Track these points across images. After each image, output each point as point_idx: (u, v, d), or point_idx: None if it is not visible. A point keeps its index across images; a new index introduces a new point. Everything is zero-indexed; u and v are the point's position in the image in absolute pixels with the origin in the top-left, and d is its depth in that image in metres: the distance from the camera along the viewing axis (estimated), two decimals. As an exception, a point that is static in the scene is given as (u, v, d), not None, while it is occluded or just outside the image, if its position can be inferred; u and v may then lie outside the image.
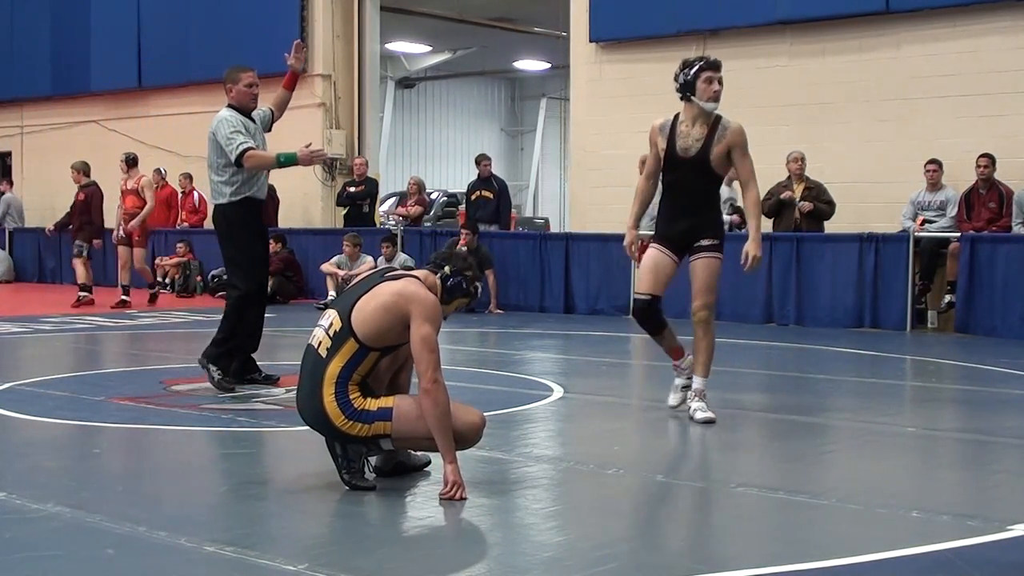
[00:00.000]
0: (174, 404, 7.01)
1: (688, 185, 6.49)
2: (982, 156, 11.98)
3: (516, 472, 5.32)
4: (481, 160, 15.98)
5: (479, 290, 5.04)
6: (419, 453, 5.13)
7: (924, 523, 4.43)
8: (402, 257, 14.68)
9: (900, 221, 12.51)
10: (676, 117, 6.54)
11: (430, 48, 29.45)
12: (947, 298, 11.99)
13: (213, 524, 4.43)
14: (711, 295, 6.58)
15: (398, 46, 28.32)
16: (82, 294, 14.43)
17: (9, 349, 10.41)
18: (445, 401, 4.68)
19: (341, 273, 14.80)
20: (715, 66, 6.49)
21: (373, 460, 5.04)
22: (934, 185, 12.35)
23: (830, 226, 12.89)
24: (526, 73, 33.84)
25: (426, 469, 5.17)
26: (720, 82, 6.43)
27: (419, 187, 17.14)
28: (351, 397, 4.74)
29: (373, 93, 18.50)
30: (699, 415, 6.44)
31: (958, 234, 11.89)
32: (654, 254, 6.62)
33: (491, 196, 15.61)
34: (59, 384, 7.77)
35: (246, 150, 7.37)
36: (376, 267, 14.69)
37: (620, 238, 14.07)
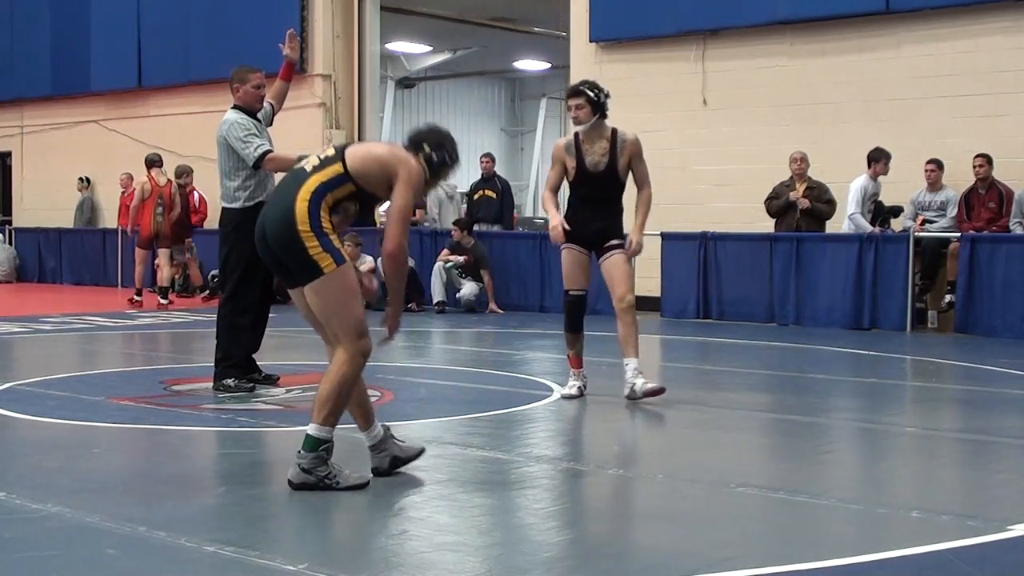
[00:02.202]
0: (174, 404, 7.01)
1: (599, 195, 7.27)
2: (978, 156, 11.98)
3: (516, 472, 5.32)
4: (483, 158, 15.92)
5: (458, 156, 5.20)
6: (412, 445, 5.22)
7: (924, 523, 4.43)
8: (402, 257, 14.64)
9: (900, 221, 12.51)
10: (576, 136, 7.24)
11: (430, 48, 29.43)
12: (947, 298, 12.00)
13: (213, 524, 4.43)
14: (630, 282, 7.39)
15: (398, 46, 28.30)
16: (162, 299, 14.53)
17: (9, 349, 10.41)
18: (404, 267, 5.06)
19: (341, 273, 14.79)
20: (568, 94, 7.33)
21: (371, 463, 5.07)
22: (934, 185, 12.35)
23: (830, 226, 12.90)
24: (526, 73, 33.81)
25: (419, 456, 5.22)
26: (576, 107, 7.14)
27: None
28: (321, 214, 4.80)
29: (373, 93, 18.49)
30: (647, 387, 7.23)
31: (958, 234, 11.89)
32: (573, 254, 7.38)
33: (494, 195, 15.58)
34: (59, 384, 7.77)
35: (266, 152, 7.32)
36: (376, 267, 14.70)
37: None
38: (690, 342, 11.50)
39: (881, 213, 12.71)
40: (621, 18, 14.94)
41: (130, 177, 18.34)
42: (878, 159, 12.48)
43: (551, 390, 7.65)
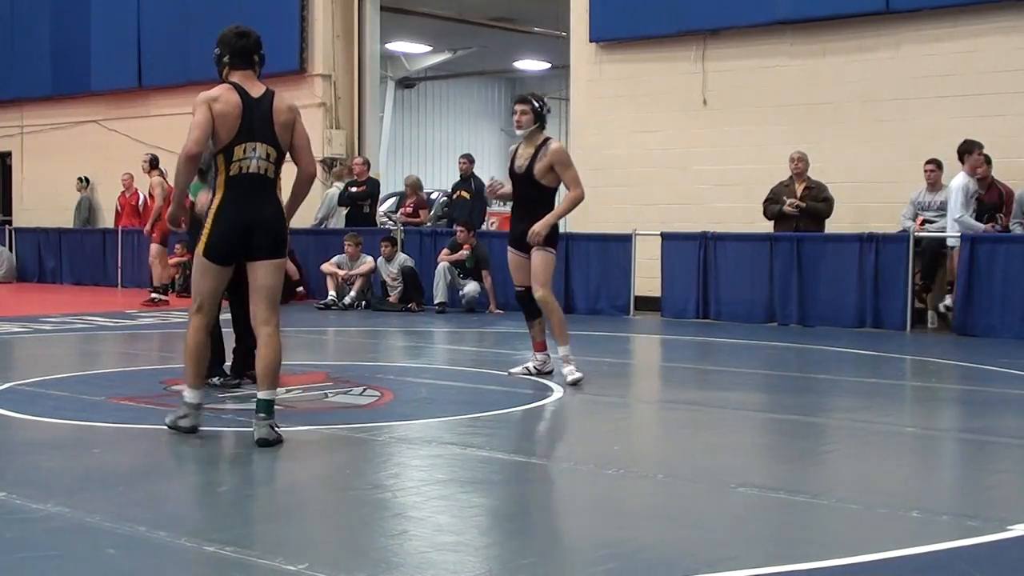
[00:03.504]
0: (174, 404, 6.99)
1: (521, 196, 7.99)
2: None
3: (516, 472, 5.32)
4: (461, 159, 15.93)
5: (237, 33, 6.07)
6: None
7: (924, 523, 4.43)
8: (402, 257, 14.67)
9: (900, 221, 12.51)
10: (520, 143, 7.99)
11: (430, 48, 29.42)
12: (947, 298, 11.99)
13: (213, 524, 4.43)
14: (542, 278, 7.91)
15: (398, 46, 28.29)
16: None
17: (9, 349, 10.41)
18: (311, 180, 6.02)
19: (341, 273, 14.80)
20: (515, 100, 8.01)
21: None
22: (933, 185, 12.35)
23: (830, 226, 12.90)
24: (526, 73, 33.80)
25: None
26: (521, 112, 7.84)
27: (415, 187, 16.97)
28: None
29: (373, 93, 18.49)
30: (570, 377, 7.76)
31: (958, 234, 11.89)
32: (513, 257, 8.12)
33: (468, 196, 15.58)
34: (59, 384, 7.77)
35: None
36: (376, 268, 14.71)
37: (620, 238, 14.19)
38: (690, 342, 11.50)
39: (986, 210, 11.90)
40: (621, 18, 14.94)
41: (131, 177, 18.44)
42: (970, 151, 11.69)
43: (551, 390, 7.65)
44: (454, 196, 15.92)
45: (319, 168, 17.50)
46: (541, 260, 7.90)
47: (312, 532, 4.36)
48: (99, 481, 5.08)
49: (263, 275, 5.81)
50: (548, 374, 8.17)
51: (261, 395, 5.76)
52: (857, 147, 13.29)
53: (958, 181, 11.81)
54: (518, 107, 7.85)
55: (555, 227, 8.02)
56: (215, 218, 5.79)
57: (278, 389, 5.85)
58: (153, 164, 15.69)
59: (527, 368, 8.24)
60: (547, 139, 7.89)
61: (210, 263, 5.82)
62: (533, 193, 7.91)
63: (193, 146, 5.71)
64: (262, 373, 5.82)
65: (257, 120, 5.77)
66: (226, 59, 5.95)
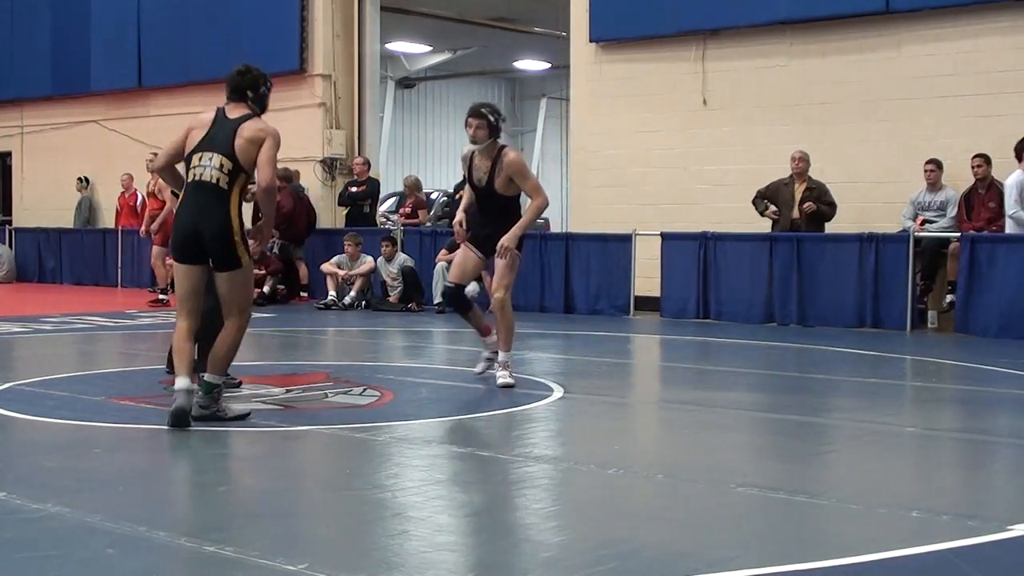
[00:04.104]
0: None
1: (485, 206, 7.92)
2: (976, 156, 11.97)
3: (516, 472, 5.32)
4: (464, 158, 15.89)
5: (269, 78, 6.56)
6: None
7: (924, 523, 4.43)
8: (402, 257, 14.67)
9: (900, 221, 12.51)
10: (473, 152, 7.86)
11: (430, 48, 29.41)
12: (947, 298, 11.99)
13: (213, 524, 4.43)
14: (503, 282, 7.85)
15: (398, 46, 28.29)
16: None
17: (9, 349, 10.41)
18: (275, 199, 6.45)
19: (341, 273, 14.80)
20: (469, 113, 7.89)
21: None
22: (933, 185, 12.35)
23: (831, 226, 12.90)
24: (526, 73, 33.80)
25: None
26: (476, 127, 7.72)
27: (414, 188, 16.96)
28: (242, 232, 6.23)
29: (373, 93, 18.48)
30: (500, 381, 7.71)
31: (958, 234, 11.89)
32: (465, 252, 8.01)
33: None
34: (59, 384, 7.77)
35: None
36: (376, 268, 14.71)
37: (620, 238, 14.19)
38: (690, 342, 11.50)
39: None
40: (621, 18, 14.94)
41: (131, 177, 18.45)
42: None
43: (551, 390, 7.65)
44: (457, 196, 15.88)
45: (319, 168, 17.56)
46: (511, 261, 7.82)
47: (312, 532, 4.36)
48: (99, 481, 5.08)
49: (218, 284, 6.30)
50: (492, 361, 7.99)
51: (204, 376, 6.28)
52: (857, 147, 13.29)
53: (1014, 178, 11.71)
54: (472, 120, 7.75)
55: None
56: (175, 218, 6.48)
57: (216, 374, 6.27)
58: None
59: (487, 359, 8.05)
60: (502, 149, 7.81)
61: (176, 262, 6.36)
62: (498, 203, 7.85)
63: (155, 161, 6.83)
64: (210, 357, 6.31)
65: (220, 134, 6.27)
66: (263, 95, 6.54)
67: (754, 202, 13.08)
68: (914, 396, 8.46)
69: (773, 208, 12.87)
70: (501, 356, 7.87)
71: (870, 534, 4.26)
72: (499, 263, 7.81)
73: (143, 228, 15.30)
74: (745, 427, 6.74)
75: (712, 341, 11.44)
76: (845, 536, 4.31)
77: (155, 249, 14.76)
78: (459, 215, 7.99)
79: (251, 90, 6.39)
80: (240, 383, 7.48)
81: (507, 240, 7.72)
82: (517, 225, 7.78)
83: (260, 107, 6.43)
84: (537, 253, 14.33)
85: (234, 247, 6.19)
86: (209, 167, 6.20)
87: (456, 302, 8.10)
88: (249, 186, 6.48)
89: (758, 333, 11.88)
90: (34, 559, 3.86)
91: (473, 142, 7.80)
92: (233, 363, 7.72)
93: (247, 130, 6.24)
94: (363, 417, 6.70)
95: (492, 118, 7.77)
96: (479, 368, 8.12)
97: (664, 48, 14.67)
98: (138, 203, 18.33)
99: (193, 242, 6.21)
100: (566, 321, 13.26)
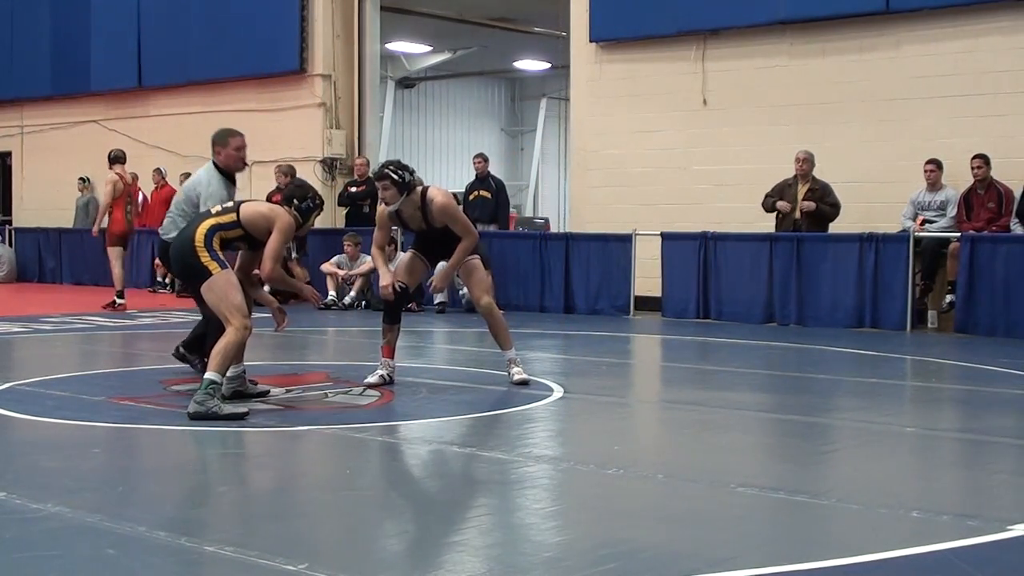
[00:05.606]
0: (174, 404, 7.00)
1: (430, 235, 7.87)
2: (976, 157, 11.96)
3: (516, 472, 5.32)
4: (476, 159, 15.93)
5: (322, 200, 7.12)
6: (258, 385, 7.19)
7: (924, 523, 4.43)
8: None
9: (900, 221, 12.51)
10: (397, 208, 7.75)
11: (430, 48, 29.40)
12: (947, 298, 11.99)
13: (213, 524, 4.43)
14: (487, 285, 8.12)
15: (398, 46, 28.27)
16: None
17: (9, 349, 10.41)
18: (281, 282, 7.23)
19: (341, 273, 14.80)
20: (375, 178, 7.95)
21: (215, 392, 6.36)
22: (933, 185, 12.34)
23: (831, 226, 12.90)
24: (526, 73, 33.78)
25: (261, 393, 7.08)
26: (383, 189, 7.64)
27: None
28: (214, 242, 6.55)
29: (373, 93, 18.47)
30: (516, 377, 7.80)
31: (958, 234, 11.89)
32: (414, 259, 8.00)
33: (488, 196, 15.60)
34: (59, 384, 7.77)
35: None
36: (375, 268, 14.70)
37: (620, 238, 14.20)
38: (690, 342, 11.50)
39: None
40: (621, 18, 14.93)
41: (136, 177, 18.29)
42: None
43: (551, 390, 7.65)
44: (470, 196, 15.87)
45: (319, 168, 17.56)
46: (479, 268, 7.96)
47: (312, 532, 4.36)
48: (99, 481, 5.08)
49: (204, 297, 6.67)
50: (392, 383, 7.77)
51: (205, 374, 6.52)
52: (857, 147, 13.29)
53: None
54: (379, 183, 7.65)
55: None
56: None
57: (215, 371, 6.42)
58: (118, 159, 14.90)
59: (382, 376, 7.73)
60: (424, 192, 7.71)
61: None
62: (441, 237, 7.81)
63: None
64: (210, 355, 6.54)
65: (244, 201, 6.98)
66: (304, 210, 7.02)
67: (764, 204, 13.04)
68: (914, 396, 8.46)
69: (784, 202, 12.82)
70: (508, 354, 7.94)
71: (870, 534, 4.26)
72: (476, 271, 7.94)
73: (95, 228, 14.96)
74: (745, 427, 6.74)
75: (712, 341, 11.44)
76: (845, 536, 4.31)
77: (111, 250, 14.38)
78: (389, 275, 7.76)
79: (297, 199, 6.91)
80: (268, 391, 7.37)
81: (439, 280, 8.19)
82: (448, 265, 7.86)
83: (300, 219, 6.87)
84: (537, 253, 14.34)
85: (197, 257, 6.51)
86: (218, 203, 6.91)
87: (399, 303, 7.91)
88: (254, 273, 6.96)
89: (758, 333, 11.88)
90: (34, 559, 3.86)
91: (386, 204, 7.71)
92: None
93: (265, 206, 6.83)
94: (363, 417, 6.70)
95: (397, 175, 7.60)
96: (372, 379, 7.72)
97: (664, 48, 14.67)
98: (140, 200, 18.31)
99: (164, 257, 7.05)
100: (566, 321, 13.26)
